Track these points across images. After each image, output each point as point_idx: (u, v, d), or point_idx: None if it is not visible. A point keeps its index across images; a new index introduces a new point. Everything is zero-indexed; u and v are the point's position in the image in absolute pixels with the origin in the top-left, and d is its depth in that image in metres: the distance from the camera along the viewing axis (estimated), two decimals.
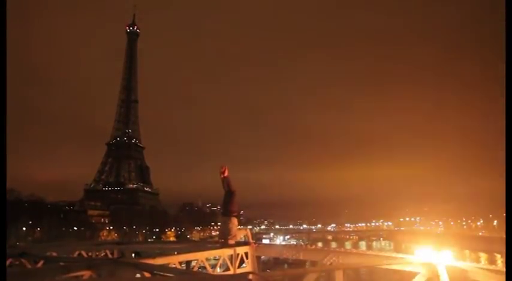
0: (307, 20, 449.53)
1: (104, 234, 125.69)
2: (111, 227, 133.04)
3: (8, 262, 9.77)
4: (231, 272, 10.45)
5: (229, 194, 11.86)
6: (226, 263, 10.76)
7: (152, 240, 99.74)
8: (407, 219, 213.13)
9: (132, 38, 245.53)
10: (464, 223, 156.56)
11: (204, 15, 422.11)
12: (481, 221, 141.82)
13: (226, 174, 11.65)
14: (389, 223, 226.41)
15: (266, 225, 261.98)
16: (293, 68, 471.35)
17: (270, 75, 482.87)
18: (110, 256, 12.61)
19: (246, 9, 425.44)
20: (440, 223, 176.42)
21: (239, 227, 12.22)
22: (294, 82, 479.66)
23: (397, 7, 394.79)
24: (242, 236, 12.20)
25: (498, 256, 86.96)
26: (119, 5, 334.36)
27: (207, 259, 10.31)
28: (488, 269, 7.81)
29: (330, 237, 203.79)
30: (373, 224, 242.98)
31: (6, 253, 8.63)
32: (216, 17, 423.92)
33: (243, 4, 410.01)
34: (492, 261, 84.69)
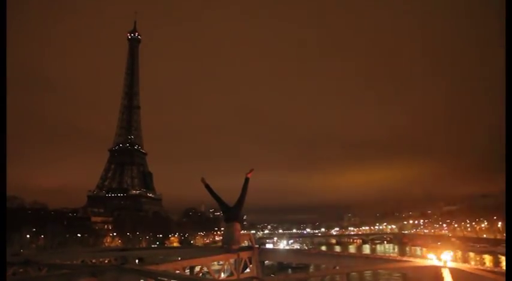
0: (307, 17, 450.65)
1: (108, 240, 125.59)
2: (115, 234, 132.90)
3: (12, 270, 9.78)
4: (234, 277, 10.44)
5: (240, 199, 12.32)
6: (230, 269, 10.75)
7: (156, 246, 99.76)
8: (411, 222, 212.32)
9: (134, 44, 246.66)
10: (468, 225, 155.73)
11: (204, 19, 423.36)
12: (485, 224, 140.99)
13: (249, 175, 12.49)
14: (393, 226, 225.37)
15: (269, 229, 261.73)
16: (295, 69, 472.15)
17: (272, 78, 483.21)
18: (113, 262, 12.60)
19: (244, 13, 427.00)
20: (444, 225, 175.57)
21: (242, 232, 12.24)
22: (296, 84, 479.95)
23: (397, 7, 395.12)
24: (245, 241, 12.20)
25: (502, 258, 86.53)
26: (121, 12, 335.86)
27: (211, 264, 10.30)
28: (492, 271, 7.79)
29: (333, 241, 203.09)
30: (376, 227, 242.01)
31: (6, 261, 8.64)
32: (217, 20, 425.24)
33: (241, 9, 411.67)
34: (496, 263, 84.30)
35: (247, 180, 12.45)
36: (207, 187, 12.34)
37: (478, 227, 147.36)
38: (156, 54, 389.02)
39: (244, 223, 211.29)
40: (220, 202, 12.35)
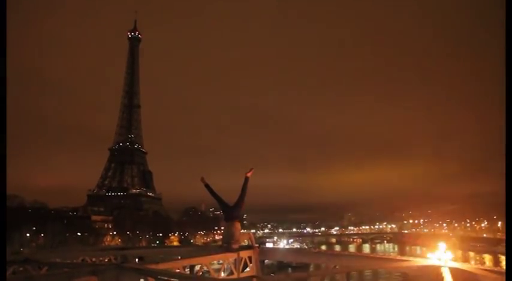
0: (308, 22, 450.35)
1: (108, 239, 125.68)
2: (115, 233, 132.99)
3: (12, 269, 9.78)
4: (234, 276, 10.44)
5: (240, 198, 12.31)
6: (230, 268, 10.74)
7: (156, 245, 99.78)
8: (411, 221, 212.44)
9: (134, 43, 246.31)
10: (468, 225, 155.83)
11: (205, 19, 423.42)
12: (485, 223, 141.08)
13: (249, 174, 12.51)
14: (393, 226, 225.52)
15: (269, 229, 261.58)
16: (295, 70, 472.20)
17: (272, 78, 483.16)
18: (113, 261, 12.60)
19: (245, 12, 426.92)
20: (445, 225, 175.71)
21: (242, 231, 12.24)
22: (297, 84, 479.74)
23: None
24: (245, 240, 12.20)
25: (502, 257, 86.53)
26: (121, 11, 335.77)
27: (211, 264, 10.30)
28: (492, 271, 7.80)
29: (333, 240, 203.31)
30: (376, 227, 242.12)
31: (6, 260, 8.64)
32: (217, 21, 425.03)
33: (242, 9, 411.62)
34: (496, 263, 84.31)
35: (247, 179, 12.46)
36: (207, 186, 12.34)
37: (478, 227, 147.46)
38: (156, 53, 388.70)
39: (244, 222, 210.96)
40: (220, 201, 12.35)
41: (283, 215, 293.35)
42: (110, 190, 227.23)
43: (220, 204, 12.39)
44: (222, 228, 17.69)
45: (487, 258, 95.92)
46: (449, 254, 8.52)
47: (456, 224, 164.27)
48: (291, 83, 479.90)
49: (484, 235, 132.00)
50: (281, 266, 59.83)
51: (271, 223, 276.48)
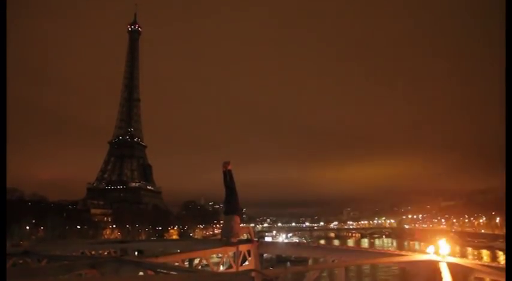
0: (308, 13, 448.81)
1: (107, 233, 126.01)
2: (114, 226, 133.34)
3: (11, 261, 9.82)
4: (233, 269, 10.46)
5: (232, 191, 12.01)
6: (229, 261, 10.77)
7: (155, 238, 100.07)
8: (409, 217, 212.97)
9: (134, 36, 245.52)
10: (466, 221, 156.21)
11: (205, 14, 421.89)
12: (484, 219, 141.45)
13: (230, 167, 11.84)
14: (392, 221, 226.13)
15: (269, 223, 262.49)
16: (293, 65, 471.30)
17: (271, 72, 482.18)
18: (113, 254, 12.62)
19: (245, 8, 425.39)
20: (443, 220, 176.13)
21: (242, 225, 12.22)
22: (297, 81, 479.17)
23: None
24: (245, 234, 12.18)
25: (500, 253, 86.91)
26: (121, 4, 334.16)
27: (210, 257, 10.32)
28: (490, 266, 7.81)
29: (332, 235, 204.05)
30: (375, 221, 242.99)
31: (6, 252, 8.66)
32: (217, 15, 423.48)
33: (241, 3, 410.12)
34: (494, 258, 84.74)
35: (230, 172, 11.98)
36: (225, 173, 11.87)
37: (476, 223, 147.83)
38: (156, 47, 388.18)
39: (244, 216, 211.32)
40: (229, 193, 11.92)
41: (283, 209, 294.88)
42: (109, 183, 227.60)
43: (227, 196, 12.00)
44: (221, 222, 17.67)
45: (485, 253, 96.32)
46: (447, 249, 8.53)
47: (454, 220, 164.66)
48: (292, 79, 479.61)
49: (482, 231, 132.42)
50: (280, 260, 60.01)
51: (271, 217, 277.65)
